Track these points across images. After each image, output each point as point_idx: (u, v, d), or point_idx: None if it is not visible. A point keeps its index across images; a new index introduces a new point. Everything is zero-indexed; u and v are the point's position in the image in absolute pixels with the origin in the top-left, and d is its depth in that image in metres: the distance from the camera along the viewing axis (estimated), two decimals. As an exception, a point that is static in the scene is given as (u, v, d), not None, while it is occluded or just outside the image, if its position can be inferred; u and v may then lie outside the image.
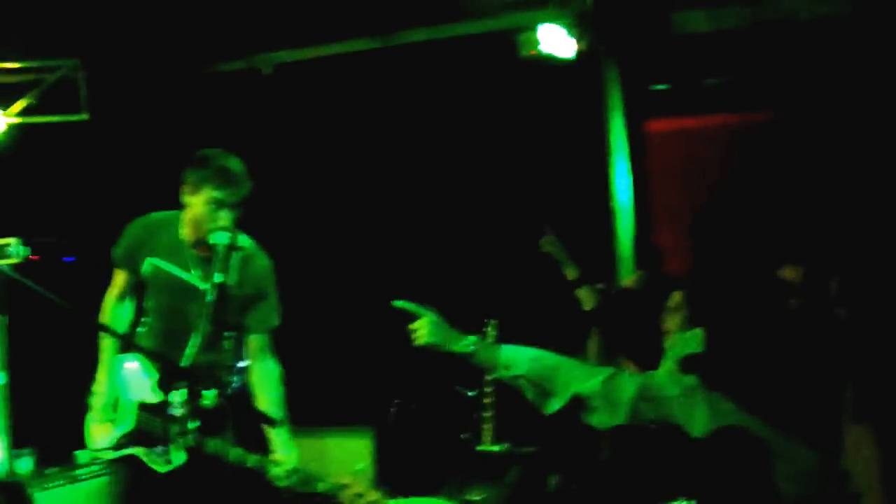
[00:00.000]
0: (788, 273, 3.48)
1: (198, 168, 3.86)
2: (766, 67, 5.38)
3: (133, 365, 3.93)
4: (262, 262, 4.06)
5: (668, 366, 3.81)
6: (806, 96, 5.32)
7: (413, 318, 3.09)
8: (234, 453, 3.75)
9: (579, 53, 5.49)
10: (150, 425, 3.80)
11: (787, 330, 3.03)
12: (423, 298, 5.79)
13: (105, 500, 3.98)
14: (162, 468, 3.74)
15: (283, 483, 3.81)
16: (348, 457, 5.18)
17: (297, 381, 4.11)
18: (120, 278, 4.05)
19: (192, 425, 3.59)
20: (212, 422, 3.77)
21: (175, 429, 3.50)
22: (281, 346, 4.14)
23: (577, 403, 2.87)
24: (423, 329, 3.09)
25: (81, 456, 5.00)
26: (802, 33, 5.12)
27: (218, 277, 3.79)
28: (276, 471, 3.78)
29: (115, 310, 4.03)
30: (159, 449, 3.75)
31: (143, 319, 4.01)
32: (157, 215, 4.06)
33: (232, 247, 3.83)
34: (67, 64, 5.72)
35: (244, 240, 3.97)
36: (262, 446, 3.86)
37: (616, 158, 5.66)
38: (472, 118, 5.91)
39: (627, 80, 5.70)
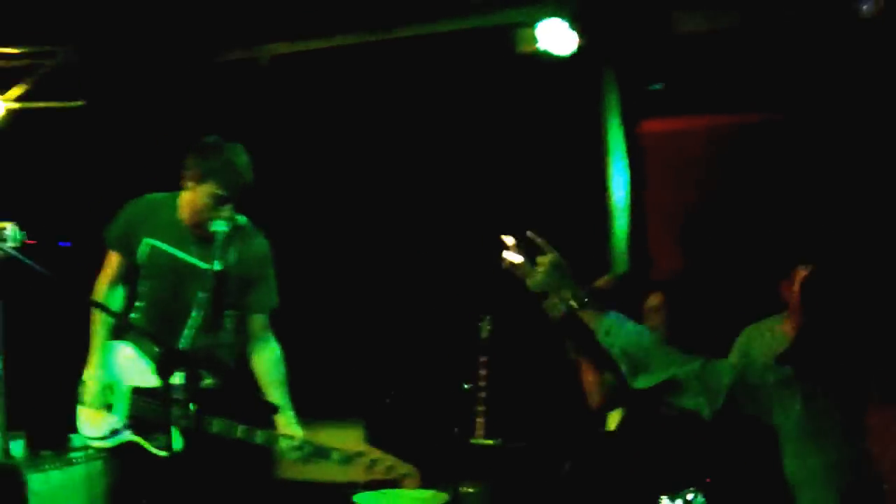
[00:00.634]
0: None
1: (204, 158, 3.86)
2: (761, 69, 5.41)
3: (127, 350, 3.93)
4: (261, 242, 4.08)
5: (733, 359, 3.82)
6: (801, 98, 5.35)
7: (534, 251, 3.05)
8: (241, 431, 3.78)
9: (576, 52, 5.49)
10: (148, 410, 3.80)
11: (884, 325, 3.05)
12: (416, 293, 5.86)
13: (100, 484, 3.96)
14: (162, 453, 3.73)
15: (293, 456, 3.83)
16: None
17: (290, 372, 4.12)
18: (113, 261, 4.02)
19: (193, 408, 3.62)
20: (212, 403, 3.80)
21: (175, 413, 3.52)
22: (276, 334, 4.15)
23: (670, 385, 2.91)
24: (544, 267, 3.05)
25: (76, 439, 4.99)
26: (796, 35, 5.14)
27: (217, 265, 3.80)
28: (285, 444, 3.80)
29: (107, 294, 4.00)
30: (158, 434, 3.75)
31: (136, 304, 3.98)
32: (152, 196, 4.05)
33: (232, 231, 3.85)
34: (65, 50, 5.70)
35: (242, 219, 3.98)
36: (263, 426, 3.87)
37: (612, 158, 5.67)
38: (468, 114, 5.91)
39: (623, 79, 5.72)
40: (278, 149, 5.93)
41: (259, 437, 3.83)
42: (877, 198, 5.06)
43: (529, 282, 3.09)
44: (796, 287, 3.09)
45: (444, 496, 4.59)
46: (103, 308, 3.88)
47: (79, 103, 5.74)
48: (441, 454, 4.76)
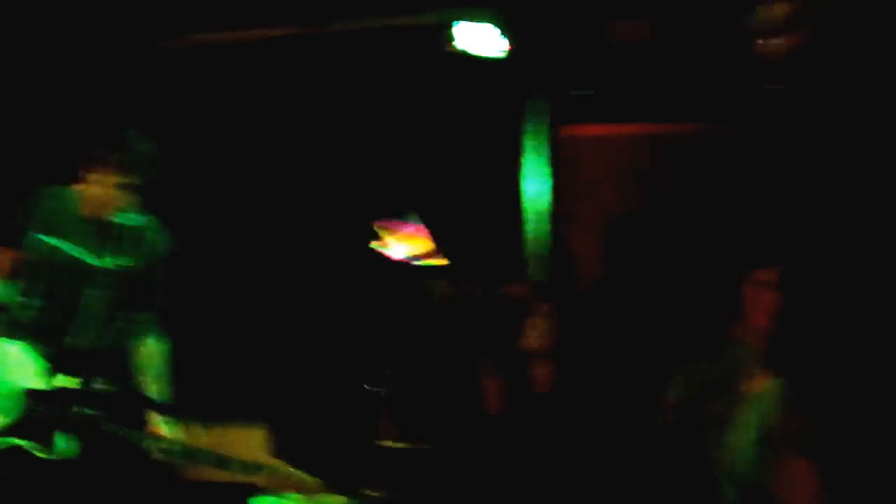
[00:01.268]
0: None
1: (108, 149, 3.77)
2: (689, 78, 5.42)
3: (15, 349, 3.80)
4: (161, 239, 3.98)
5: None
6: (730, 108, 5.37)
7: None
8: (111, 428, 3.69)
9: (504, 53, 5.46)
10: (38, 413, 3.68)
11: None
12: (327, 293, 5.79)
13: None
14: (50, 456, 3.63)
15: (161, 456, 3.74)
16: (245, 451, 5.10)
17: (195, 374, 4.04)
18: (4, 257, 3.90)
19: (88, 410, 3.53)
20: (108, 405, 3.71)
21: (68, 415, 3.43)
22: (178, 339, 4.07)
23: None
24: None
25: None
26: (723, 45, 5.15)
27: (119, 259, 3.72)
28: (151, 444, 3.71)
29: None
30: (48, 437, 3.64)
31: (29, 302, 3.86)
32: (49, 191, 3.94)
33: (134, 227, 3.77)
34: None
35: (143, 217, 3.89)
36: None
37: (536, 163, 5.65)
38: (394, 114, 5.86)
39: (551, 84, 5.70)
40: (198, 143, 5.84)
41: (132, 436, 3.74)
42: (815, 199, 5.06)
43: None
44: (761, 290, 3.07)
45: (344, 500, 4.53)
46: None
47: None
48: (346, 457, 4.70)
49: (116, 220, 3.78)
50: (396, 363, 4.92)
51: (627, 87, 5.61)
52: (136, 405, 3.88)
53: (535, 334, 4.39)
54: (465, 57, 5.47)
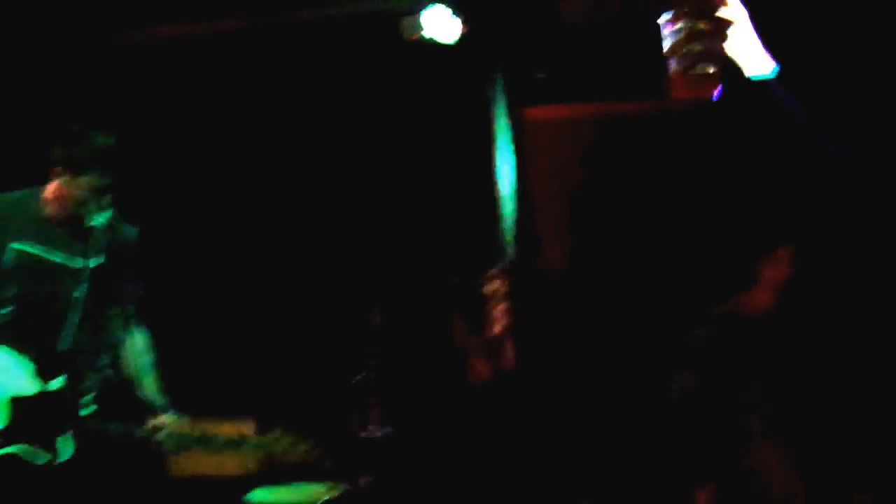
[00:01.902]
0: None
1: (77, 148, 3.71)
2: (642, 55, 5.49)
3: None
4: (129, 232, 3.96)
5: None
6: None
7: None
8: (116, 428, 3.69)
9: (461, 39, 5.50)
10: (30, 418, 3.65)
11: None
12: (302, 288, 5.79)
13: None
14: (45, 461, 3.61)
15: (171, 445, 3.74)
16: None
17: (181, 368, 4.04)
18: None
19: (85, 411, 3.52)
20: (95, 402, 3.71)
21: (62, 417, 3.41)
22: (164, 335, 4.07)
23: None
24: None
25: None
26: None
27: (96, 258, 3.69)
28: (162, 434, 3.71)
29: None
30: (42, 442, 3.62)
31: (3, 311, 3.79)
32: (6, 197, 3.86)
33: (100, 224, 3.73)
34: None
35: (108, 212, 3.83)
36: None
37: (498, 147, 5.70)
38: (354, 102, 5.87)
39: (508, 67, 5.74)
40: (160, 138, 5.79)
41: (139, 432, 3.75)
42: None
43: None
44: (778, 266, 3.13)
45: (338, 487, 4.59)
46: None
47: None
48: (335, 447, 4.74)
49: (82, 217, 3.73)
50: (379, 351, 4.98)
51: (583, 67, 5.66)
52: (127, 400, 3.87)
53: (499, 318, 4.46)
54: (423, 43, 5.49)
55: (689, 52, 1.80)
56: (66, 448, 3.62)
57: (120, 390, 3.90)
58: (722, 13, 1.82)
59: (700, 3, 1.80)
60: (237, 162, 5.98)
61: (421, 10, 5.43)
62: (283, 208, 5.93)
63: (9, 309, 3.76)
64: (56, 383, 3.66)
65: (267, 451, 3.85)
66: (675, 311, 4.59)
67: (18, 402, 3.67)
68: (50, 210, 3.77)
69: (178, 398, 3.93)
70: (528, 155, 5.72)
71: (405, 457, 4.91)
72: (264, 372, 5.62)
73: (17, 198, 3.85)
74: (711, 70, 1.80)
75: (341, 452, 4.74)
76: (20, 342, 3.71)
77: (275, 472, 4.49)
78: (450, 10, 5.42)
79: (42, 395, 3.66)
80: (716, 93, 1.82)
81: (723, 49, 1.82)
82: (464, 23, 5.44)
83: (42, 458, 3.63)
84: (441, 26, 5.45)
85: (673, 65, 1.82)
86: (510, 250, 5.59)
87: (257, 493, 4.58)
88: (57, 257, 3.75)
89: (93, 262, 3.71)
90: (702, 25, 1.79)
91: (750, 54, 1.89)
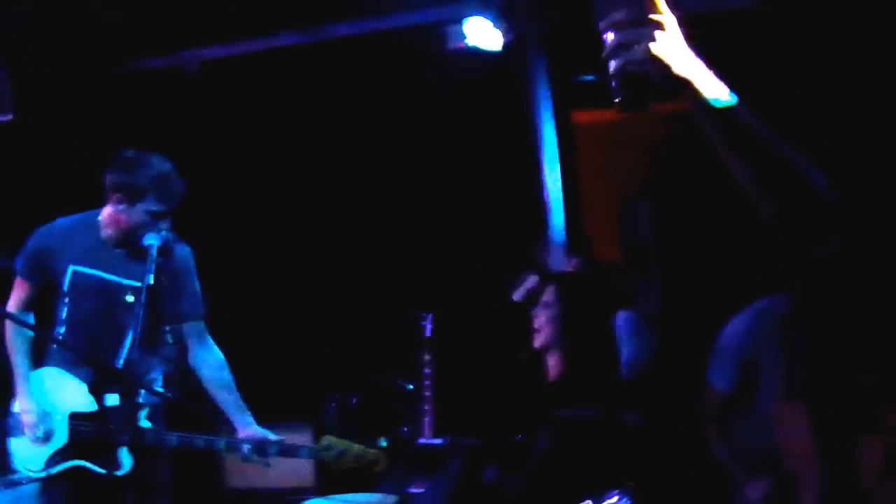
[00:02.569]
0: None
1: (134, 175, 3.77)
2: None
3: (55, 374, 3.83)
4: (183, 250, 4.01)
5: None
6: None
7: None
8: (202, 441, 3.75)
9: (506, 45, 5.50)
10: (89, 434, 3.72)
11: None
12: (355, 292, 5.83)
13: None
14: (103, 474, 3.67)
15: (259, 459, 3.77)
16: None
17: (239, 378, 4.08)
18: (23, 290, 3.92)
19: (145, 425, 3.58)
20: (159, 418, 3.77)
21: (119, 432, 3.47)
22: (216, 342, 4.11)
23: None
24: None
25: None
26: (725, 24, 5.19)
27: (150, 279, 3.74)
28: (248, 448, 3.75)
29: (18, 325, 3.88)
30: (101, 456, 3.68)
31: (58, 329, 3.88)
32: (64, 221, 3.95)
33: (164, 246, 3.79)
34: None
35: (164, 233, 3.88)
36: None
37: (545, 150, 5.69)
38: (402, 113, 5.90)
39: (554, 71, 5.73)
40: (213, 159, 5.87)
41: (222, 445, 3.80)
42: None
43: None
44: None
45: (393, 498, 4.59)
46: (45, 334, 3.82)
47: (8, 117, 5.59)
48: (388, 455, 4.76)
49: (147, 238, 3.79)
50: (433, 359, 4.99)
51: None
52: (181, 413, 3.92)
53: (550, 324, 4.41)
54: (466, 52, 5.50)
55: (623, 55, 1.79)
56: (124, 462, 3.68)
57: (174, 403, 3.95)
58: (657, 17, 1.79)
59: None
60: (291, 175, 6.05)
61: (464, 19, 5.44)
62: (335, 219, 5.98)
63: (66, 327, 3.85)
64: (112, 399, 3.73)
65: (321, 459, 3.88)
66: (729, 311, 4.52)
67: (76, 419, 3.75)
68: (107, 233, 3.85)
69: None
70: (576, 158, 5.71)
71: (462, 465, 4.89)
72: (319, 380, 5.65)
73: (73, 223, 3.94)
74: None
75: (396, 461, 4.76)
76: (77, 360, 3.78)
77: (328, 482, 4.52)
78: (492, 19, 5.42)
79: (99, 411, 3.73)
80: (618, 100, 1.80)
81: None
82: (505, 30, 5.44)
83: (100, 471, 3.70)
84: (484, 34, 5.46)
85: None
86: (561, 255, 5.58)
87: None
88: (114, 277, 3.83)
89: (148, 282, 3.76)
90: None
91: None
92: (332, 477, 4.96)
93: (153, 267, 3.73)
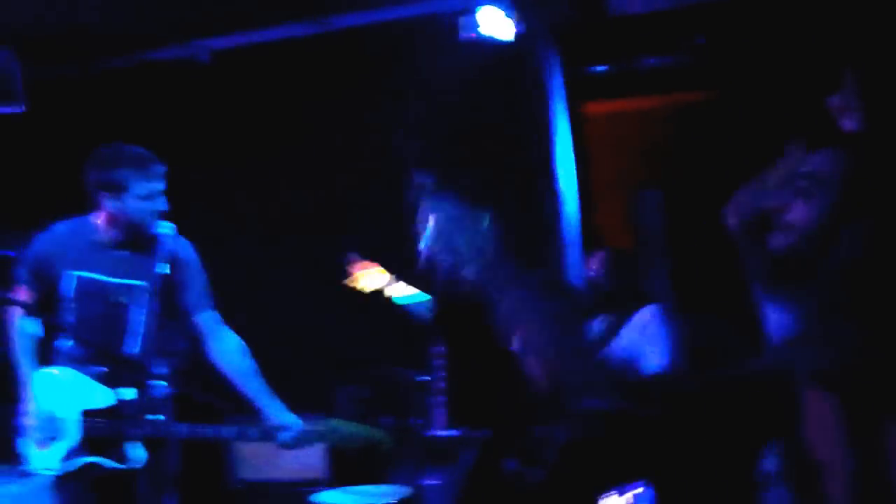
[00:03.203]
0: None
1: (112, 169, 3.76)
2: (702, 48, 5.43)
3: (64, 374, 3.82)
4: (185, 244, 4.00)
5: None
6: (742, 76, 5.38)
7: None
8: (232, 431, 3.75)
9: (518, 35, 5.48)
10: (102, 430, 3.72)
11: None
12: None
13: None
14: (119, 469, 3.68)
15: (293, 445, 3.77)
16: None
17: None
18: (27, 298, 3.89)
19: (154, 417, 3.58)
20: (172, 411, 3.77)
21: (133, 426, 3.47)
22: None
23: None
24: None
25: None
26: (735, 13, 5.17)
27: (161, 268, 3.74)
28: (284, 434, 3.75)
29: (22, 329, 3.88)
30: (115, 451, 3.68)
31: (64, 335, 3.87)
32: (62, 226, 3.93)
33: (166, 242, 3.78)
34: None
35: (163, 226, 3.87)
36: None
37: (557, 141, 5.67)
38: (412, 102, 5.88)
39: (566, 62, 5.71)
40: (223, 149, 5.87)
41: (255, 433, 3.79)
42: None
43: None
44: None
45: (406, 489, 4.59)
46: (57, 328, 3.82)
47: (19, 108, 5.59)
48: (400, 447, 4.75)
49: (159, 229, 3.78)
50: (444, 351, 4.97)
51: (640, 60, 5.61)
52: (194, 405, 3.91)
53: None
54: (479, 42, 5.48)
55: None
56: (138, 456, 3.68)
57: (188, 396, 3.94)
58: None
59: None
60: (304, 165, 6.04)
61: (476, 9, 5.42)
62: (349, 206, 5.97)
63: (71, 328, 3.84)
64: (125, 394, 3.73)
65: (334, 451, 3.88)
66: (743, 301, 4.50)
67: (90, 416, 3.74)
68: (106, 233, 3.84)
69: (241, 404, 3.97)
70: (589, 149, 5.68)
71: (474, 458, 4.89)
72: (331, 372, 5.64)
73: (70, 227, 3.92)
74: None
75: (408, 454, 4.76)
76: (88, 358, 3.78)
77: (341, 474, 4.52)
78: (502, 9, 5.40)
79: (112, 407, 3.72)
80: None
81: None
82: (517, 20, 5.42)
83: (116, 466, 3.70)
84: (497, 24, 5.44)
85: None
86: (571, 246, 5.57)
87: (324, 496, 4.60)
88: (117, 280, 3.82)
89: (153, 278, 3.75)
90: None
91: None
92: (345, 469, 4.98)
93: (159, 264, 3.72)
